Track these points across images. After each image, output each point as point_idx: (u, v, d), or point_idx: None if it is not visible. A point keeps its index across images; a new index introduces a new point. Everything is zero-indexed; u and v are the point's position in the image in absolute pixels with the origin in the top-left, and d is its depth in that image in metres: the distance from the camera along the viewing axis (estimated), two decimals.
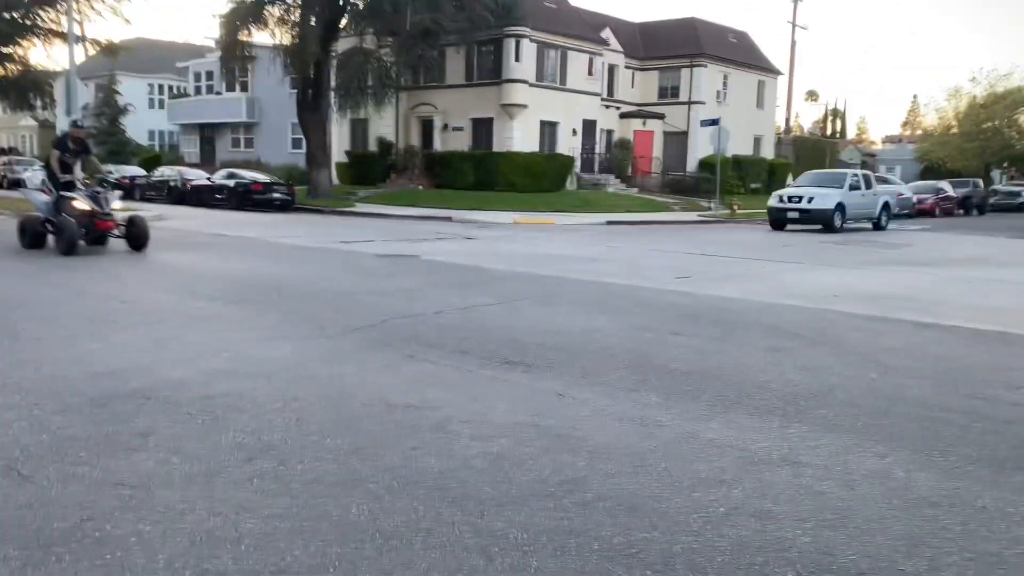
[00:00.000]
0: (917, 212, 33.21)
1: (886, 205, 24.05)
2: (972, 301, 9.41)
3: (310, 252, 12.90)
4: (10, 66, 34.58)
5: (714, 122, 29.83)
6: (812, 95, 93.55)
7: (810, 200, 21.61)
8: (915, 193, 34.95)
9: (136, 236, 11.77)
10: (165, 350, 5.75)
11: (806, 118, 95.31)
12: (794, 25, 54.98)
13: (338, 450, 3.82)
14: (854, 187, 22.80)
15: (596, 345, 6.24)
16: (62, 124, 18.98)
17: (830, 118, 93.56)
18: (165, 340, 6.08)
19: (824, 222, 21.54)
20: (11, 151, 51.73)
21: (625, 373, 5.39)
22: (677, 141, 40.10)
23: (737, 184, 38.81)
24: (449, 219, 23.88)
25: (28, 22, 23.17)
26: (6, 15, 21.63)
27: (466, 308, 7.76)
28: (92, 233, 11.40)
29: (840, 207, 21.69)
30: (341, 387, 4.88)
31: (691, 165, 39.46)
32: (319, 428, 4.12)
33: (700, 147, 38.01)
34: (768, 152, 44.40)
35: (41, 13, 23.61)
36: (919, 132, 75.90)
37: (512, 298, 8.47)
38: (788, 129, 54.71)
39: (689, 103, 39.42)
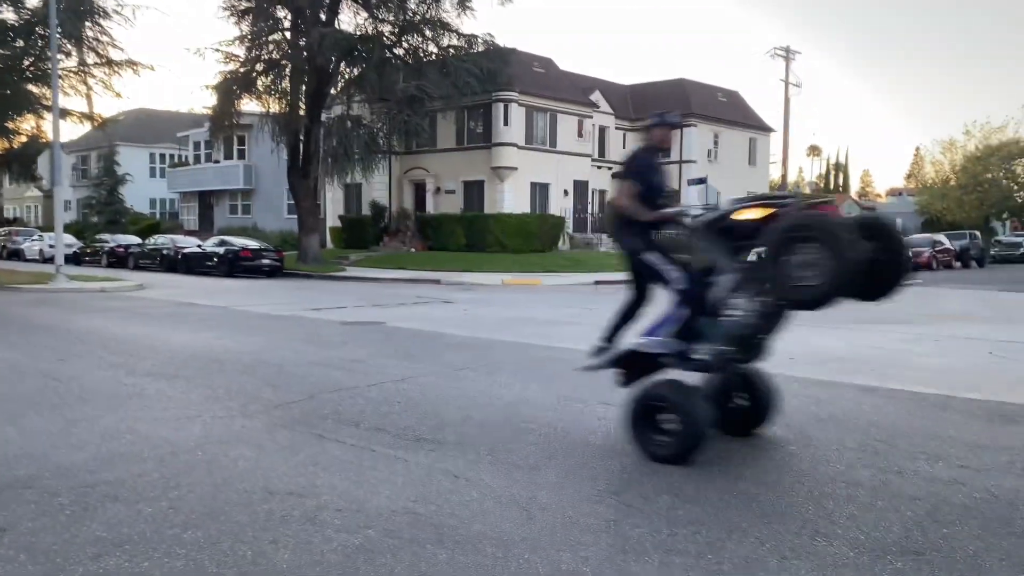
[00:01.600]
0: (913, 266, 32.99)
1: None
2: (932, 362, 9.20)
3: (274, 321, 12.84)
4: (15, 139, 35.41)
5: (701, 180, 29.42)
6: (815, 150, 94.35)
7: None
8: (910, 246, 34.75)
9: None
10: (71, 433, 5.63)
11: (810, 173, 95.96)
12: (787, 83, 55.78)
13: (194, 544, 3.67)
14: None
15: (518, 419, 6.09)
16: (59, 194, 19.02)
17: (832, 172, 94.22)
18: (77, 422, 5.97)
19: None
20: (15, 222, 52.46)
21: (534, 449, 5.24)
22: (671, 199, 40.30)
23: None
24: (438, 282, 23.90)
25: (20, 99, 23.65)
26: None
27: (403, 379, 7.63)
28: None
29: None
30: (230, 472, 4.74)
31: None
32: (185, 519, 3.97)
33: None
34: None
35: (33, 89, 24.17)
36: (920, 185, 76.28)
37: (456, 367, 8.35)
38: (783, 185, 55.01)
39: (680, 162, 39.75)
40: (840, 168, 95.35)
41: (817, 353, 9.69)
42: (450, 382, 7.58)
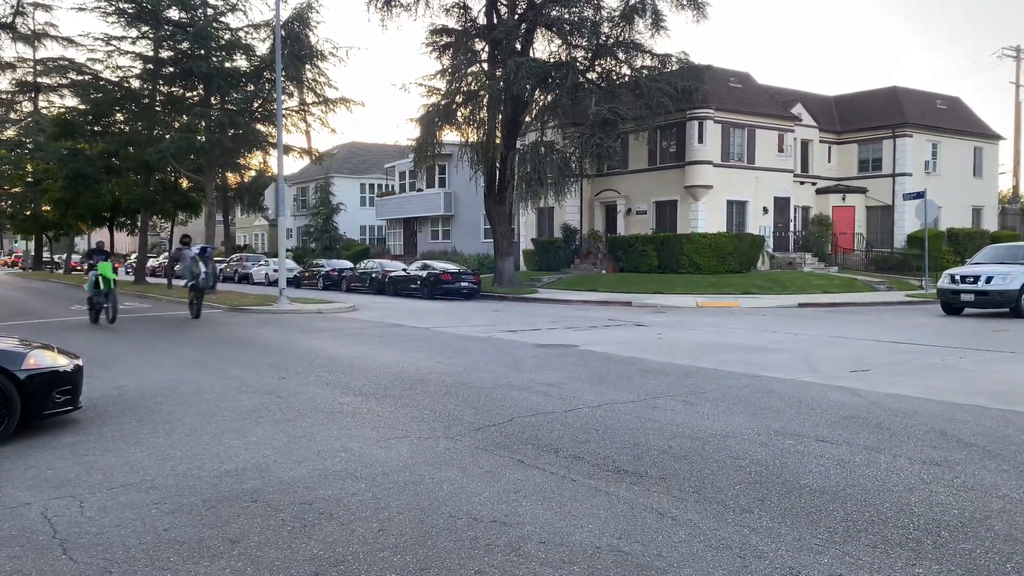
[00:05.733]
0: None
1: None
2: None
3: (472, 342, 13.17)
4: (246, 173, 39.39)
5: (918, 195, 27.63)
6: None
7: (988, 280, 18.42)
8: None
9: None
10: (291, 448, 6.00)
11: None
12: (1017, 85, 50.66)
13: (403, 568, 3.73)
14: None
15: (725, 453, 5.76)
16: (282, 224, 20.94)
17: None
18: (297, 437, 6.36)
19: (1007, 305, 18.28)
20: (244, 248, 58.05)
21: (745, 488, 4.91)
22: (881, 215, 37.55)
23: (954, 260, 35.51)
24: (629, 304, 23.63)
25: (251, 137, 26.23)
26: (230, 132, 24.66)
27: (600, 406, 7.50)
28: None
29: None
30: (436, 495, 4.81)
31: (898, 241, 36.68)
32: (395, 542, 4.06)
33: (907, 221, 35.32)
34: (990, 224, 40.36)
35: (261, 128, 26.72)
36: None
37: (653, 395, 8.09)
38: (1015, 198, 49.67)
39: (893, 175, 36.92)
40: None
41: None
42: (648, 410, 7.35)
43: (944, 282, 19.81)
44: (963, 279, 19.16)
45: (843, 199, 37.86)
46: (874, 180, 37.65)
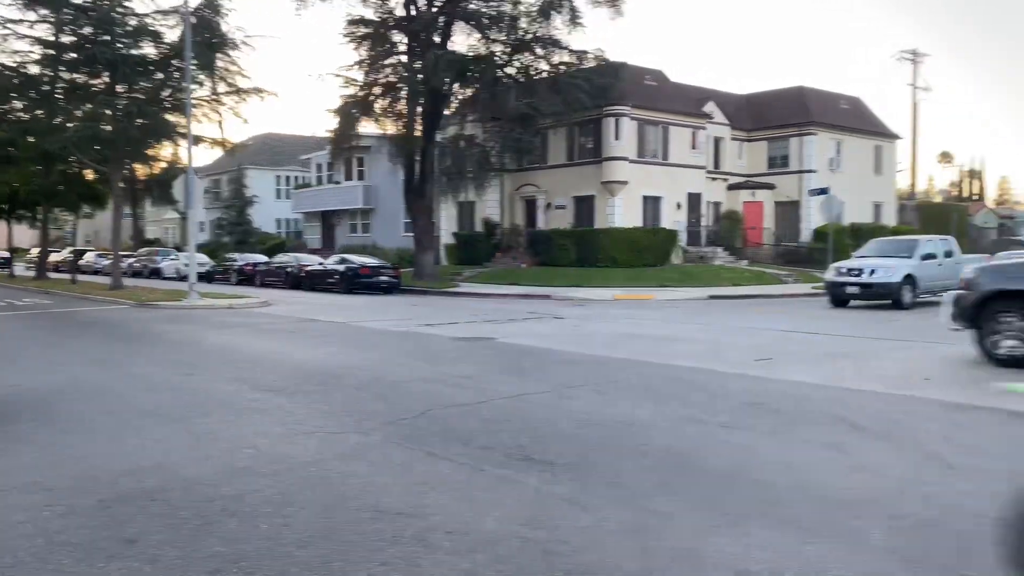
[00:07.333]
0: None
1: None
2: None
3: (389, 337, 13.07)
4: (155, 165, 37.89)
5: (823, 191, 28.78)
6: (946, 157, 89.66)
7: (872, 272, 19.01)
8: None
9: None
10: (195, 446, 5.84)
11: (942, 181, 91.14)
12: (915, 87, 53.15)
13: (306, 563, 3.68)
14: (928, 256, 19.87)
15: (633, 440, 5.88)
16: (193, 216, 20.20)
17: (966, 180, 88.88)
18: (201, 435, 6.19)
19: (889, 297, 18.98)
20: (155, 242, 56.05)
21: (650, 474, 5.03)
22: (789, 211, 38.93)
23: None
24: (549, 297, 23.88)
25: (160, 127, 25.23)
26: (138, 121, 23.71)
27: (514, 397, 7.56)
28: None
29: (910, 280, 18.99)
30: (343, 490, 4.77)
31: (805, 235, 38.11)
32: (299, 537, 4.00)
33: (813, 217, 36.73)
34: (890, 219, 42.34)
35: (169, 118, 25.75)
36: None
37: (567, 385, 8.20)
38: (913, 195, 52.21)
39: (800, 172, 38.32)
40: (975, 175, 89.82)
41: (955, 374, 8.99)
42: (561, 400, 7.45)
43: (831, 275, 20.29)
44: (849, 272, 19.66)
45: (753, 195, 39.08)
46: (782, 176, 39.00)
